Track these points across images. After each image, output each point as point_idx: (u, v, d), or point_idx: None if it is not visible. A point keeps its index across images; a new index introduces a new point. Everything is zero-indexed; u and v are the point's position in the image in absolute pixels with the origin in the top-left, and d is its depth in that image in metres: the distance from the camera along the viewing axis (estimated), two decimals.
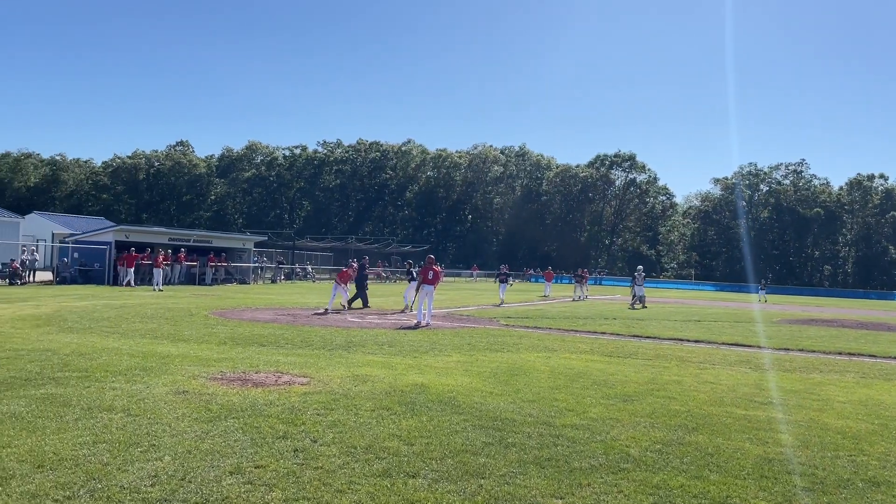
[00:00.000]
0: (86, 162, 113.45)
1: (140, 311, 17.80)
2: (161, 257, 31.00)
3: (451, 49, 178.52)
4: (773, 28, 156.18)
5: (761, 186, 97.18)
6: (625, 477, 5.25)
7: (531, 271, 79.95)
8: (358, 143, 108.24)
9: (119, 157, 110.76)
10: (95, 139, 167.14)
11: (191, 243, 38.52)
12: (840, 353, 14.35)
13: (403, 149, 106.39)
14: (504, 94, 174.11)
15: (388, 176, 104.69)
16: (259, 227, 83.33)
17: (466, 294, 36.39)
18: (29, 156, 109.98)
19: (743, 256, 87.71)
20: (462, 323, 18.27)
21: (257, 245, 45.67)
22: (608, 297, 40.86)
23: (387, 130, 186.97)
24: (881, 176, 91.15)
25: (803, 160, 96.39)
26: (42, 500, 4.31)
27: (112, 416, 6.39)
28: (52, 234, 49.02)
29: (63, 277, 32.42)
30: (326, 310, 20.30)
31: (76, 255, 33.62)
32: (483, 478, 5.08)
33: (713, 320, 23.35)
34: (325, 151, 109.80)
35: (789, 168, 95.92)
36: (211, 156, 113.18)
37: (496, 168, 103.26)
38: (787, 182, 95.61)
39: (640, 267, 34.60)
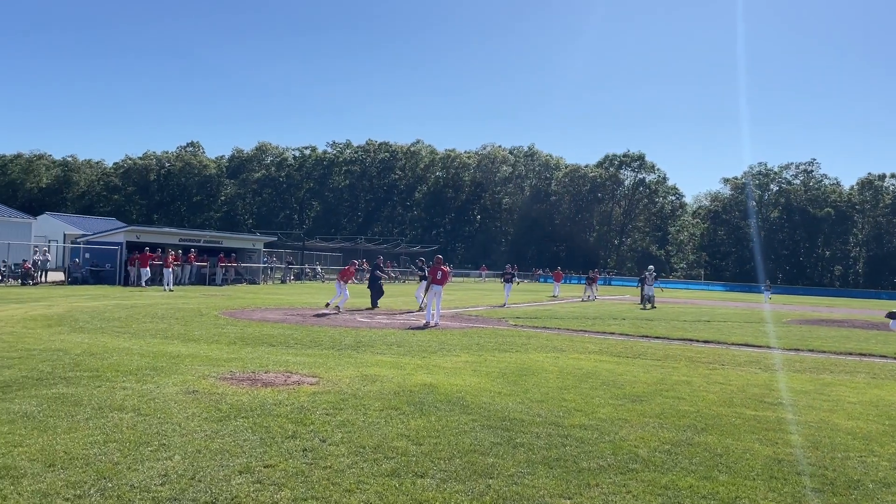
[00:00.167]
0: (97, 163, 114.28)
1: (151, 311, 17.89)
2: (171, 258, 31.13)
3: (460, 50, 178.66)
4: (783, 27, 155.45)
5: (771, 186, 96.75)
6: (633, 477, 5.24)
7: (540, 272, 79.84)
8: (367, 143, 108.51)
9: (130, 158, 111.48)
10: (107, 140, 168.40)
11: (201, 244, 38.68)
12: (850, 354, 14.26)
13: (412, 149, 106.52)
14: (513, 94, 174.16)
15: (397, 176, 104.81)
16: (269, 228, 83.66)
17: (475, 294, 36.38)
18: (41, 157, 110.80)
19: (753, 256, 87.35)
20: (471, 323, 18.28)
21: (267, 245, 45.82)
22: (617, 298, 40.75)
23: (396, 131, 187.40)
24: (892, 175, 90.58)
25: (814, 160, 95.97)
26: (53, 499, 4.34)
27: (122, 415, 6.43)
28: (64, 234, 49.32)
29: (74, 278, 32.62)
30: (328, 304, 20.89)
31: (87, 255, 33.81)
32: (491, 478, 5.09)
33: (723, 321, 23.25)
34: (335, 152, 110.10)
35: (800, 168, 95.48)
36: (221, 156, 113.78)
37: (505, 168, 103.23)
38: (797, 182, 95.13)
39: (651, 267, 34.45)
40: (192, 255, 36.64)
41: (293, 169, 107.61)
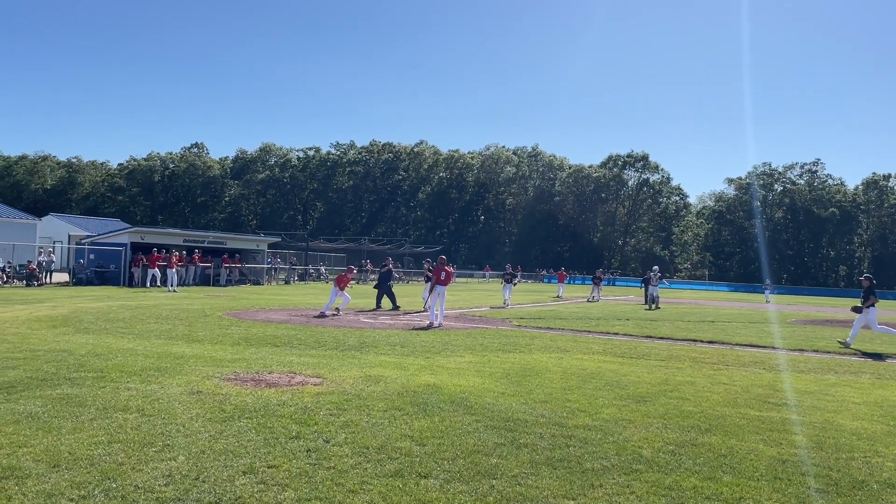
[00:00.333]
0: (102, 164, 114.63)
1: (155, 312, 17.92)
2: (175, 258, 31.20)
3: (464, 50, 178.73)
4: (788, 26, 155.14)
5: (775, 186, 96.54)
6: (637, 478, 5.24)
7: (544, 272, 79.80)
8: (371, 144, 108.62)
9: (134, 159, 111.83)
10: (111, 142, 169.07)
11: (205, 244, 38.76)
12: (855, 354, 14.24)
13: (416, 150, 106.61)
14: (516, 94, 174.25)
15: (400, 177, 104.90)
16: (273, 229, 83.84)
17: (479, 295, 36.37)
18: (46, 158, 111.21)
19: (757, 257, 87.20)
20: (474, 323, 18.27)
21: (271, 246, 45.90)
22: (621, 298, 40.71)
23: (399, 132, 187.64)
24: None
25: (818, 160, 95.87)
26: (57, 500, 4.35)
27: (127, 416, 6.44)
28: (69, 235, 49.53)
29: (79, 279, 32.73)
30: (323, 314, 19.58)
31: (92, 256, 33.91)
32: (495, 478, 5.09)
33: (727, 321, 23.20)
34: (339, 153, 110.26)
35: (804, 168, 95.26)
36: (225, 157, 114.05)
37: (509, 169, 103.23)
38: (801, 182, 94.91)
39: (656, 267, 34.41)
40: (196, 256, 36.72)
41: (297, 170, 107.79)
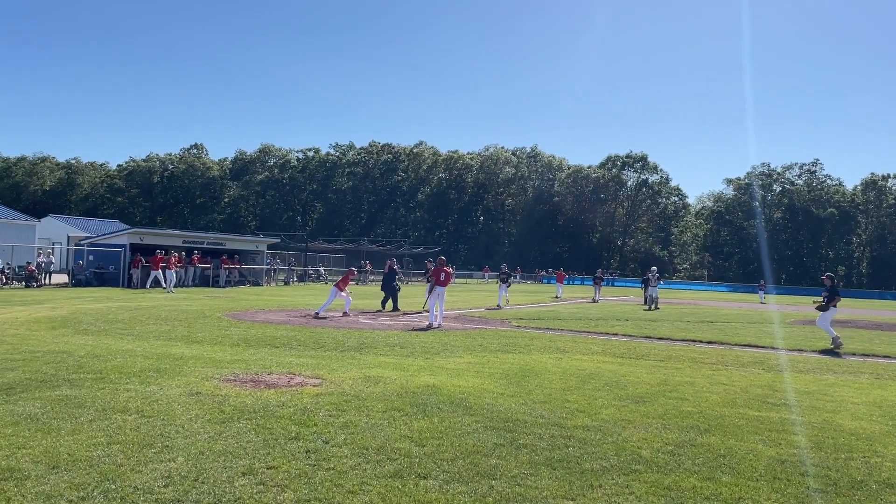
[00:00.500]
0: (101, 165, 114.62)
1: (154, 313, 17.92)
2: (174, 259, 31.18)
3: (464, 50, 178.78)
4: (787, 27, 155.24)
5: (774, 187, 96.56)
6: (636, 478, 5.24)
7: (543, 273, 79.81)
8: (370, 145, 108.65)
9: (134, 160, 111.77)
10: (110, 142, 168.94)
11: (205, 245, 38.74)
12: (854, 354, 14.25)
13: (415, 151, 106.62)
14: (516, 94, 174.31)
15: (400, 178, 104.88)
16: (272, 230, 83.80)
17: (478, 296, 36.37)
18: (45, 159, 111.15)
19: (756, 257, 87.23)
20: (474, 324, 18.27)
21: (270, 247, 45.86)
22: (620, 299, 40.71)
23: (399, 132, 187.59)
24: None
25: (817, 160, 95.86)
26: (57, 501, 4.35)
27: (126, 417, 6.44)
28: (68, 236, 49.52)
29: (78, 280, 32.70)
30: (318, 314, 19.41)
31: (91, 257, 33.89)
32: (494, 479, 5.09)
33: (726, 321, 23.22)
34: (338, 154, 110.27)
35: (803, 168, 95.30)
36: (224, 158, 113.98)
37: (508, 169, 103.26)
38: (800, 182, 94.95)
39: (654, 268, 34.42)
40: (195, 257, 36.70)
41: (296, 171, 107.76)
